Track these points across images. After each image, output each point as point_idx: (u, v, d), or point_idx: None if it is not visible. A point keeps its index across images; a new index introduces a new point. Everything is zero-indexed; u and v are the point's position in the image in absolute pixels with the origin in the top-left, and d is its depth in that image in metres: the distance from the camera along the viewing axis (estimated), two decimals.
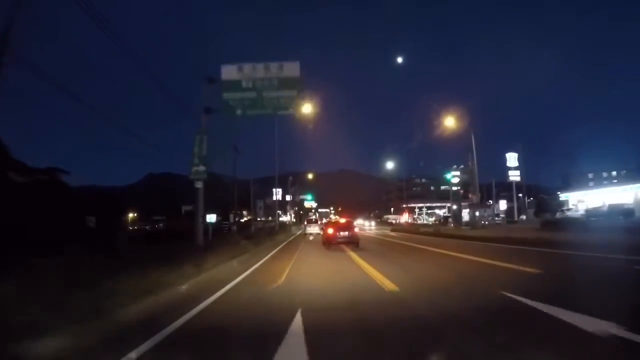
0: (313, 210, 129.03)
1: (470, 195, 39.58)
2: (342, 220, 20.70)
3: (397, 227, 36.58)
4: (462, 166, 37.09)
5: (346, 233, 16.47)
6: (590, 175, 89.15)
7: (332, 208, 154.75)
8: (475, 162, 38.53)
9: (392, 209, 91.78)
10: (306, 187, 57.79)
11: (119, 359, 3.05)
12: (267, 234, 25.76)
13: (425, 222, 73.28)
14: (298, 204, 65.06)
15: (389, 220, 75.96)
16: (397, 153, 53.66)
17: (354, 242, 16.22)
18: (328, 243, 16.56)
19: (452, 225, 43.70)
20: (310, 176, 51.56)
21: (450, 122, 36.19)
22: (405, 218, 73.90)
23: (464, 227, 35.59)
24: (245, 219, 77.72)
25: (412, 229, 32.34)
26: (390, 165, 57.35)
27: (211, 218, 56.54)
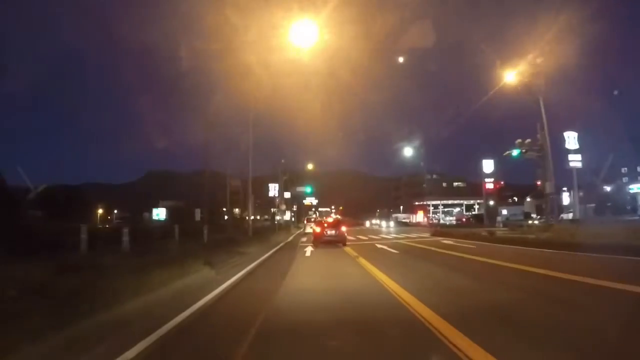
0: (313, 209, 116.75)
1: (539, 183, 27.46)
2: (330, 220, 20.48)
3: (443, 231, 23.75)
4: (528, 140, 24.98)
5: (333, 232, 16.34)
6: (624, 170, 77.03)
7: (333, 207, 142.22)
8: (547, 136, 25.98)
9: (401, 207, 79.30)
10: (305, 179, 45.08)
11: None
12: (227, 243, 13.28)
13: (442, 221, 60.83)
14: (296, 198, 52.83)
15: (401, 220, 63.49)
16: (406, 148, 40.92)
17: (340, 241, 16.09)
18: (316, 240, 16.43)
19: (500, 225, 31.26)
20: (310, 166, 38.90)
21: (510, 77, 23.92)
22: (420, 217, 61.53)
23: (524, 228, 23.16)
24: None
25: (476, 234, 19.68)
26: (408, 152, 44.95)
27: (159, 213, 43.25)
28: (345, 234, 16.74)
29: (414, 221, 60.87)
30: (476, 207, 69.55)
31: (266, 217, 78.92)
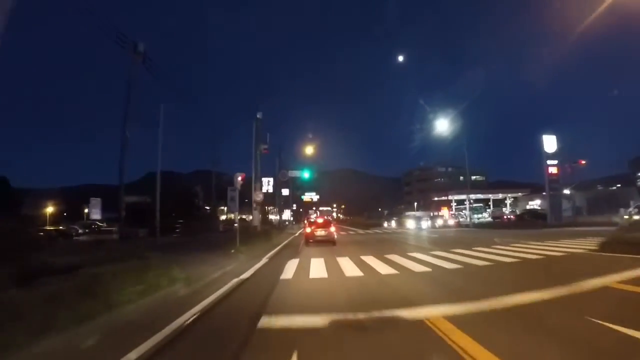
0: (314, 208, 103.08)
1: None
2: (320, 220, 18.77)
3: (623, 238, 9.88)
4: None
5: (323, 232, 15.55)
6: None
7: (334, 205, 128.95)
8: None
9: (415, 204, 65.66)
10: (301, 162, 31.08)
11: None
12: None
13: (469, 219, 47.10)
14: (288, 183, 39.61)
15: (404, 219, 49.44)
16: (440, 121, 27.30)
17: (330, 240, 15.19)
18: (307, 240, 15.61)
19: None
20: (309, 150, 25.22)
21: None
22: (444, 215, 47.90)
23: None
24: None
25: None
26: (442, 125, 31.50)
27: None
28: (334, 234, 15.72)
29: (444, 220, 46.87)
30: (507, 202, 55.98)
31: (266, 217, 65.14)
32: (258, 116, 16.10)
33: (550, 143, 32.38)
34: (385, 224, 40.39)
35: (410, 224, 29.84)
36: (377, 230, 28.98)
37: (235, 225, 11.28)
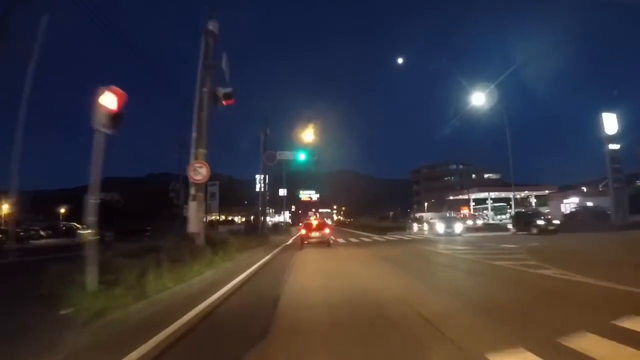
0: (313, 210, 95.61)
1: None
2: (315, 222, 17.85)
3: None
4: None
5: (318, 234, 15.36)
6: None
7: (335, 207, 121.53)
8: None
9: (425, 204, 58.29)
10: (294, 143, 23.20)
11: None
12: None
13: (492, 220, 39.77)
14: (282, 177, 32.77)
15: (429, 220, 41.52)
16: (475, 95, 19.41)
17: (325, 241, 15.03)
18: (302, 241, 15.45)
19: None
20: (308, 137, 17.79)
21: None
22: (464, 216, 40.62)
23: None
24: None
25: None
26: (479, 99, 24.24)
27: None
28: (329, 236, 15.51)
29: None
30: (533, 200, 48.67)
31: (265, 218, 57.68)
32: (210, 27, 8.52)
33: (610, 123, 25.25)
34: (415, 227, 31.49)
35: (439, 227, 21.82)
36: (401, 237, 21.29)
37: (82, 231, 3.50)
